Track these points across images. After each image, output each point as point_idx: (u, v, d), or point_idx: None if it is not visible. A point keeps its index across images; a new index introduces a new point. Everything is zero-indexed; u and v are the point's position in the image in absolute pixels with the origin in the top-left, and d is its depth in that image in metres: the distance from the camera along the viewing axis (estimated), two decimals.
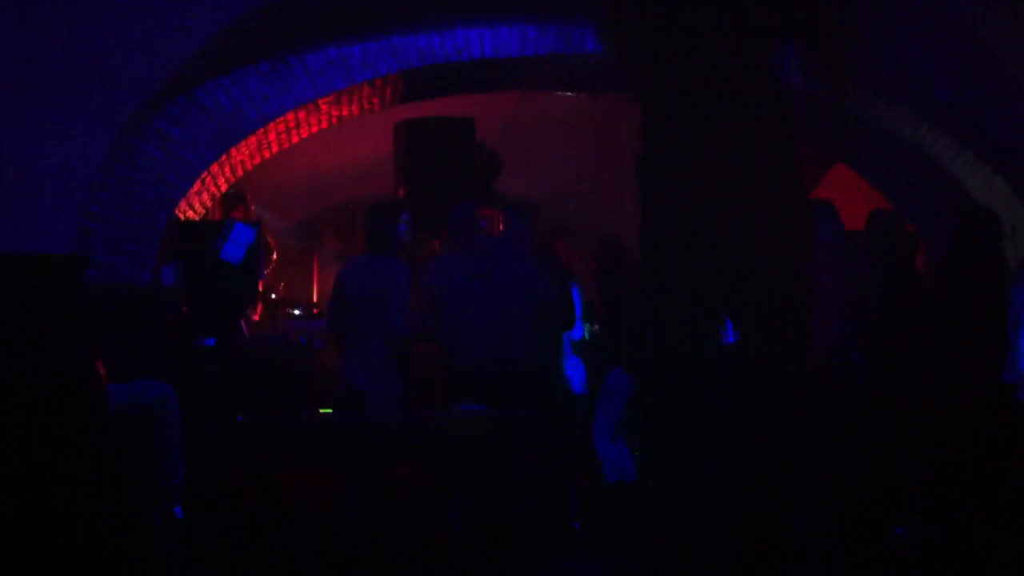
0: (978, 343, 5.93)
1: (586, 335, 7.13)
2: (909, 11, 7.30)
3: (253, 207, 8.80)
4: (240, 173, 7.99)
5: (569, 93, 8.89)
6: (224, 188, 8.03)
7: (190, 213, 7.57)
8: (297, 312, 9.82)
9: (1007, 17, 7.03)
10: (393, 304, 6.01)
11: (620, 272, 7.29)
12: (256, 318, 8.31)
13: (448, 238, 6.38)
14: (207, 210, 8.00)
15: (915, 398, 6.16)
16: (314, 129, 8.00)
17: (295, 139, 8.02)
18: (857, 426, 6.01)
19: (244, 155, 7.70)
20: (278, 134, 7.72)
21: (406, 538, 6.20)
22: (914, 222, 8.44)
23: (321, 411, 6.05)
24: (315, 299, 11.66)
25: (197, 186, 7.31)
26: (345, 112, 7.91)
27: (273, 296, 8.73)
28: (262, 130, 7.40)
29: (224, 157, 7.36)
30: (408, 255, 6.48)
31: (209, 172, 7.37)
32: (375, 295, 6.03)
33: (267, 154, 8.00)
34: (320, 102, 7.52)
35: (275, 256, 9.22)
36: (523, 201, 6.96)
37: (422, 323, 6.12)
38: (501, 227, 6.83)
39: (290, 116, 7.49)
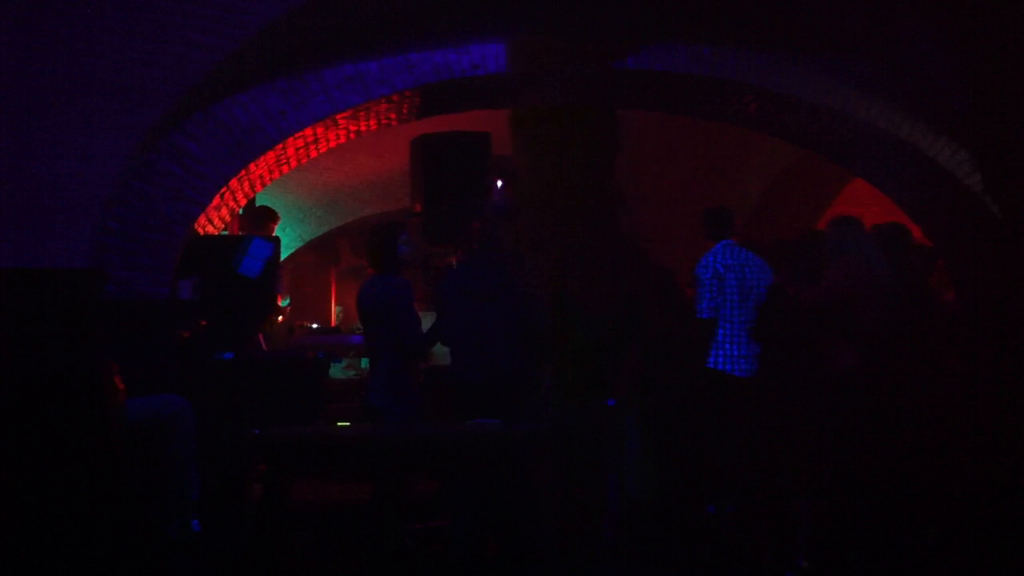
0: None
1: None
2: (928, 23, 7.29)
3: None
4: (259, 188, 8.01)
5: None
6: (243, 203, 8.05)
7: (209, 228, 7.59)
8: (315, 326, 9.84)
9: None
10: (400, 321, 6.11)
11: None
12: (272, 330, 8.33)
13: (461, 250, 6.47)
14: (226, 225, 8.03)
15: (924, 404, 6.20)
16: (332, 144, 8.01)
17: (313, 153, 8.03)
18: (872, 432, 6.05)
19: (263, 170, 7.72)
20: (296, 149, 7.74)
21: (422, 549, 6.21)
22: (932, 237, 8.41)
23: (338, 424, 6.07)
24: (333, 313, 11.66)
25: (216, 201, 7.32)
26: (363, 127, 7.92)
27: (280, 307, 8.71)
28: (280, 145, 7.42)
29: (243, 172, 7.38)
30: (413, 271, 6.57)
31: (228, 187, 7.39)
32: (380, 314, 6.19)
33: (285, 169, 8.02)
34: (338, 117, 7.54)
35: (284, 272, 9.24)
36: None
37: (428, 338, 6.28)
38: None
39: (308, 131, 7.51)
